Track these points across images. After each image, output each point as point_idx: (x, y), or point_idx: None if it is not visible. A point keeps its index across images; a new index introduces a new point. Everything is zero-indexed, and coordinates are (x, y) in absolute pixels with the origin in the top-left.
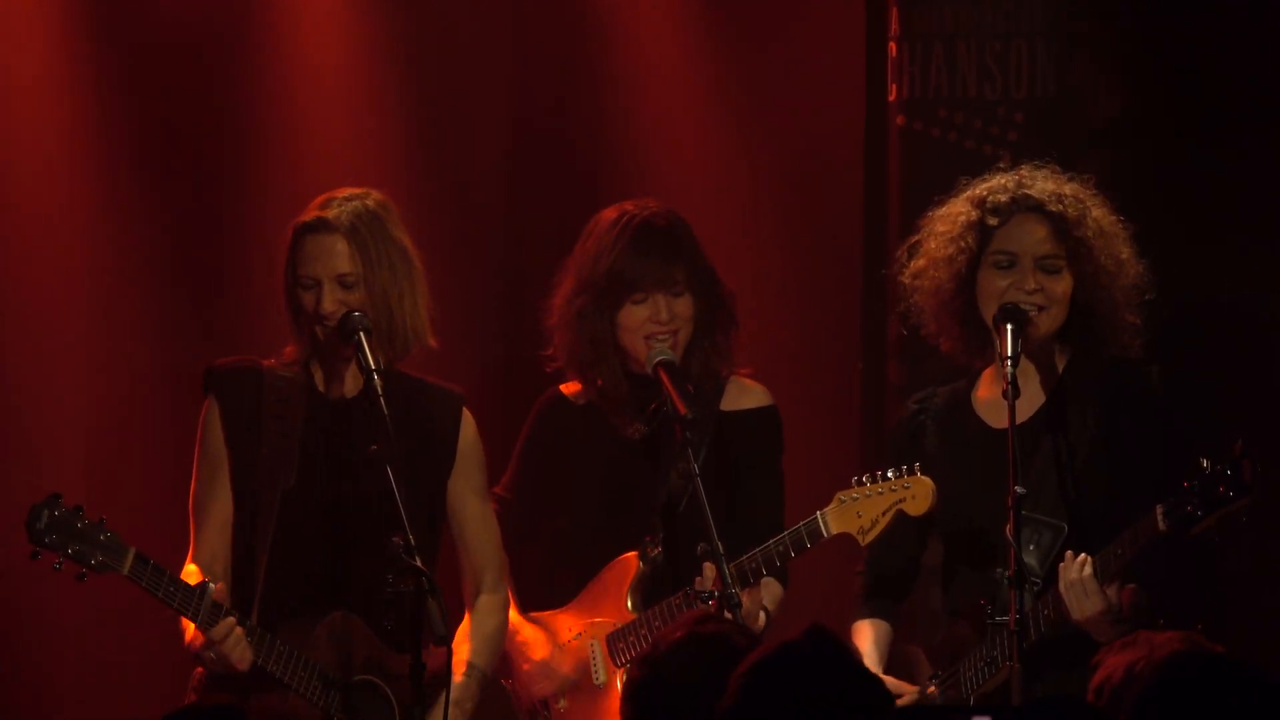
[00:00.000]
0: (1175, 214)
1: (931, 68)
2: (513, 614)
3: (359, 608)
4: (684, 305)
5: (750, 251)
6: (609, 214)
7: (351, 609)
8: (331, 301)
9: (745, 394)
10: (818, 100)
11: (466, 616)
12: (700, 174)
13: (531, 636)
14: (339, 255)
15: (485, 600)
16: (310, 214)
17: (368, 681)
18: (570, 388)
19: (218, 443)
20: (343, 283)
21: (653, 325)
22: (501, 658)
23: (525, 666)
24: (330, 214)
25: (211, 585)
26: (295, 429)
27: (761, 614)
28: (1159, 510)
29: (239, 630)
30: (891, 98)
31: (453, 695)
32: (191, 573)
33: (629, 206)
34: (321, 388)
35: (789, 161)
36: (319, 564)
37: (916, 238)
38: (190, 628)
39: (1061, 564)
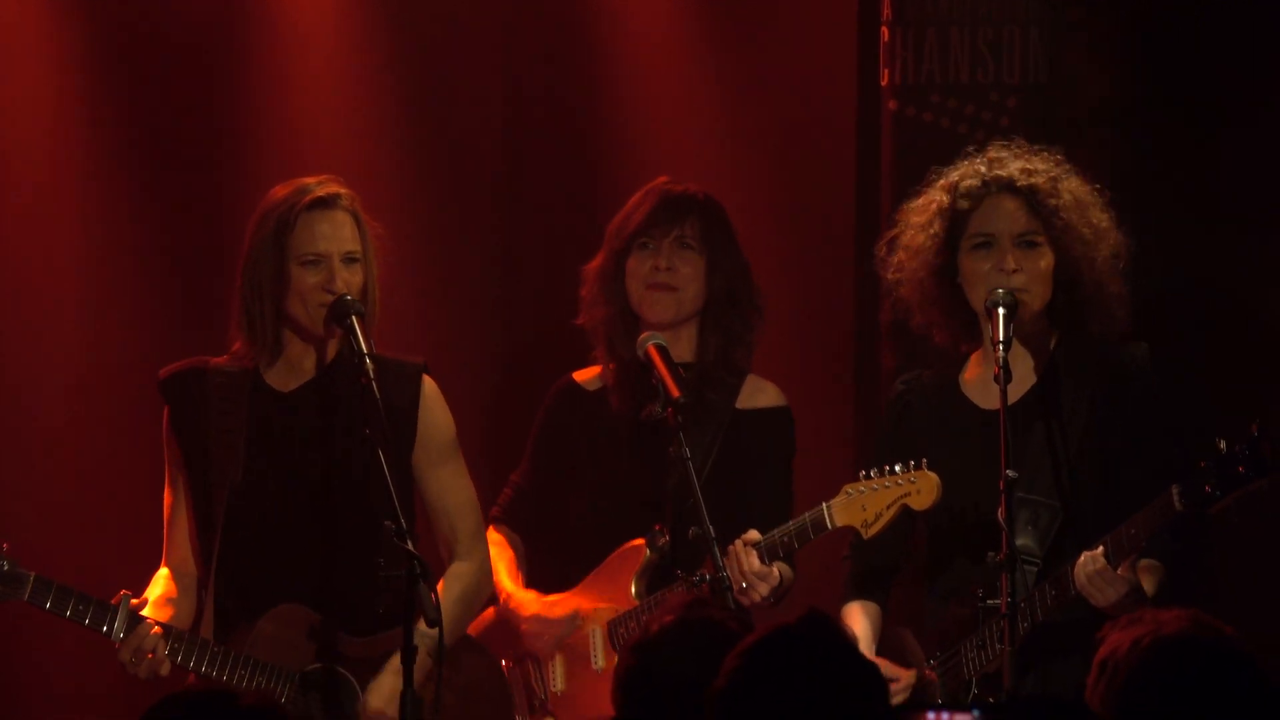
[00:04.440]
0: (1167, 198)
1: (924, 53)
2: (507, 584)
3: (322, 595)
4: (691, 262)
5: (742, 235)
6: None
7: (313, 597)
8: (341, 280)
9: (760, 393)
10: (810, 85)
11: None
12: (692, 158)
13: (525, 599)
14: (348, 232)
15: (455, 566)
16: (310, 194)
17: (326, 669)
18: (583, 375)
19: (174, 448)
20: (348, 260)
21: (654, 272)
22: (497, 632)
23: (523, 627)
24: (334, 192)
25: (130, 597)
26: (241, 424)
27: (775, 568)
28: (1175, 490)
29: (156, 632)
30: (884, 83)
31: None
32: (162, 577)
33: (665, 178)
34: (271, 379)
35: (781, 146)
36: (272, 555)
37: (894, 231)
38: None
39: (1077, 566)
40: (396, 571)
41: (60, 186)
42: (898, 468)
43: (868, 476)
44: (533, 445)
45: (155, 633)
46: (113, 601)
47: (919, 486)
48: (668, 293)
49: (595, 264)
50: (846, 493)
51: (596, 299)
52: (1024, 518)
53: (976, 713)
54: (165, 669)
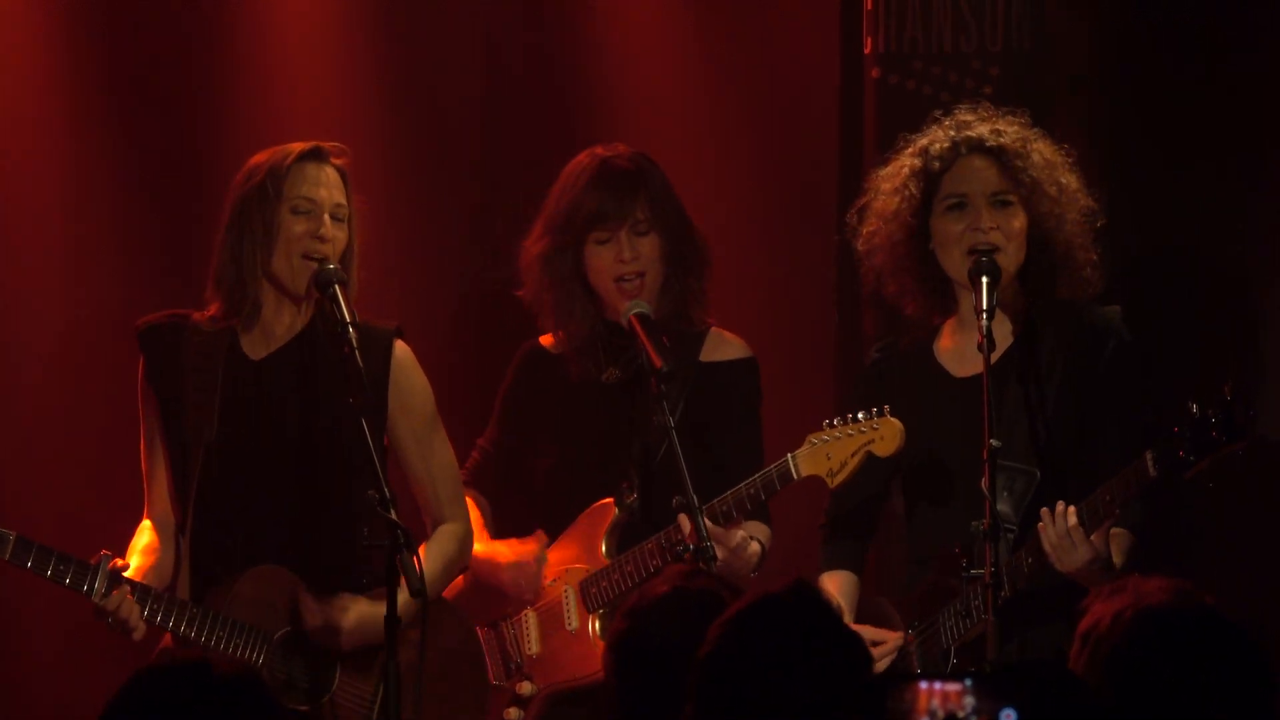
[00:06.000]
0: (1151, 164)
1: (907, 20)
2: (475, 544)
3: (297, 562)
4: (649, 245)
5: (725, 203)
6: (579, 157)
7: (285, 561)
8: (329, 231)
9: (724, 345)
10: (793, 52)
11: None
12: (675, 125)
13: (495, 549)
14: (337, 188)
15: (444, 528)
16: (303, 147)
17: (299, 632)
18: (549, 338)
19: (150, 400)
20: (336, 215)
21: (619, 265)
22: (469, 599)
23: (504, 575)
24: (326, 148)
25: (111, 557)
26: (215, 382)
27: (754, 544)
28: (1149, 456)
29: (130, 599)
30: (867, 50)
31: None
32: (146, 528)
33: (598, 149)
34: (245, 344)
35: (764, 113)
36: (247, 519)
37: (864, 200)
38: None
39: (1043, 520)
40: (380, 541)
41: (40, 139)
42: (860, 415)
43: (830, 425)
44: (500, 409)
45: (129, 599)
46: (92, 561)
47: (882, 433)
48: (636, 281)
49: (533, 240)
50: (811, 442)
51: (540, 280)
52: (1000, 483)
53: (968, 681)
54: (139, 634)
